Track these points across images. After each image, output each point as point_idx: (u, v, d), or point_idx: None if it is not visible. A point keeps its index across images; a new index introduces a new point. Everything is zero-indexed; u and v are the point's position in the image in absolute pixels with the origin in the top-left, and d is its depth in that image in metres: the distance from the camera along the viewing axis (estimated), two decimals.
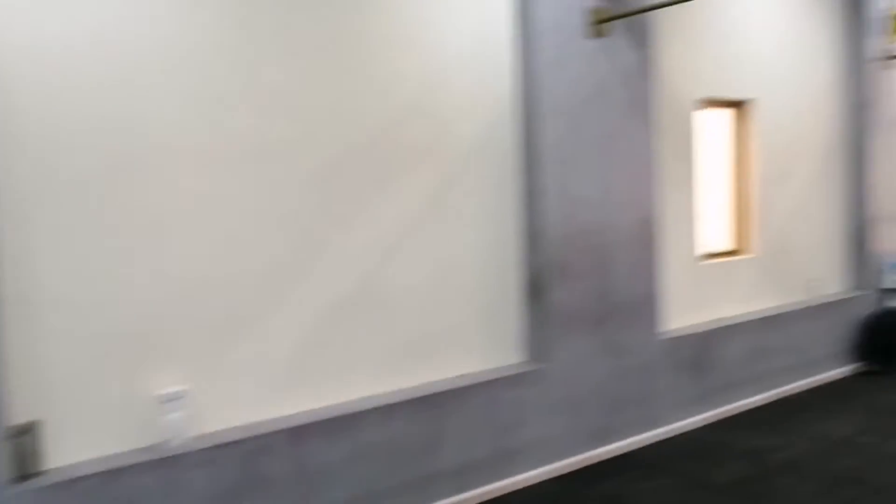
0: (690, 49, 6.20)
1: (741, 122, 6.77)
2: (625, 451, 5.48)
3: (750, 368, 6.45)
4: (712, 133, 6.65)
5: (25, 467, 3.40)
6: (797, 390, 6.84)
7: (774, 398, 6.64)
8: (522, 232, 5.10)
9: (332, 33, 4.25)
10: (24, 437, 3.38)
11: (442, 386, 4.64)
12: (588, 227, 5.21)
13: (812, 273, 7.28)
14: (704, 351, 6.09)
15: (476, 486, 4.73)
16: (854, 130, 7.54)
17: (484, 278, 4.95)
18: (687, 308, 6.23)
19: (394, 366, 4.56)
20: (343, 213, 4.32)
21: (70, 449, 3.54)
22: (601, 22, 5.25)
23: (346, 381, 4.38)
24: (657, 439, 5.68)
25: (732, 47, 6.52)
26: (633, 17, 5.41)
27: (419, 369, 4.67)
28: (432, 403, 4.54)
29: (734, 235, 6.81)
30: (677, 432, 5.83)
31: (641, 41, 5.49)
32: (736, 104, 6.73)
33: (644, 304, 5.58)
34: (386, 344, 4.52)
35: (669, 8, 5.94)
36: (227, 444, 3.81)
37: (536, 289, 5.07)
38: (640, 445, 5.58)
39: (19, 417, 3.39)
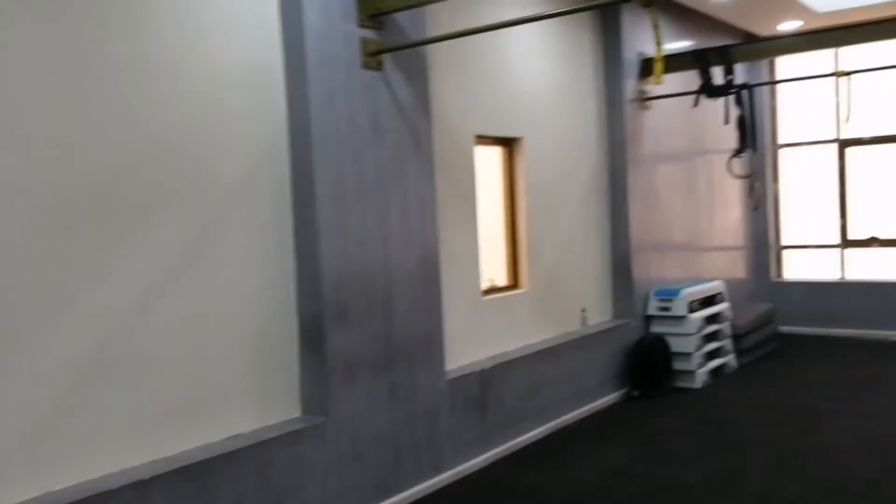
0: (465, 86, 6.20)
1: (511, 159, 6.88)
2: (410, 501, 5.23)
3: (529, 402, 6.49)
4: (488, 170, 6.69)
5: None
6: (572, 420, 6.99)
7: (553, 430, 6.73)
8: (297, 275, 4.73)
9: (75, 56, 3.66)
10: None
11: (209, 451, 4.12)
12: (368, 268, 4.94)
13: (582, 304, 7.54)
14: (486, 388, 6.03)
15: None
16: (613, 167, 7.95)
17: (255, 327, 4.51)
18: (470, 345, 6.16)
19: (151, 432, 3.98)
20: (83, 263, 3.71)
21: None
22: (374, 54, 5.05)
23: (92, 455, 3.74)
24: (443, 485, 5.50)
25: (503, 86, 6.62)
26: (408, 51, 5.27)
27: (182, 434, 4.12)
28: (198, 472, 4.01)
29: (509, 270, 6.87)
30: (462, 475, 5.69)
31: (417, 75, 5.36)
32: (507, 141, 6.83)
33: (428, 345, 5.40)
34: (140, 408, 3.94)
35: (444, 44, 5.89)
36: None
37: (314, 335, 4.71)
38: (426, 493, 5.36)
39: None
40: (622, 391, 7.72)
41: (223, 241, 4.35)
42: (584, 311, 7.52)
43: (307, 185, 4.67)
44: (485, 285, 6.46)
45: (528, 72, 6.93)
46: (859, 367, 8.68)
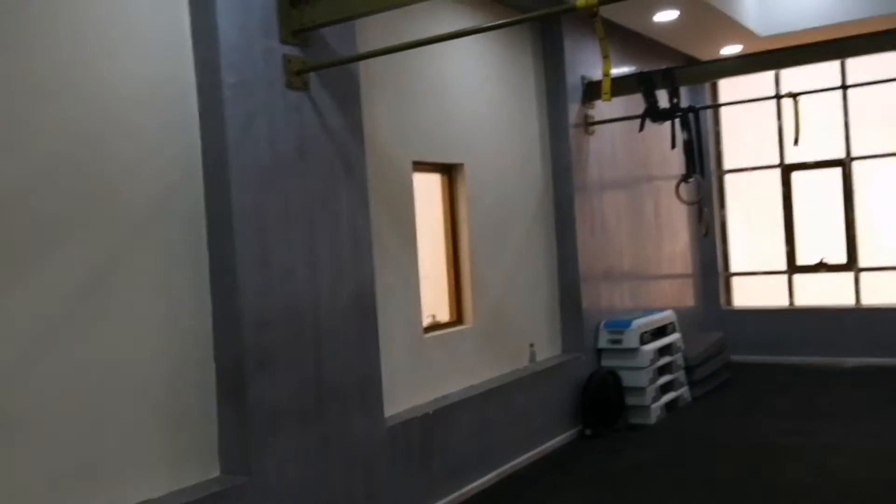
0: (402, 110, 5.82)
1: (452, 186, 6.51)
2: None
3: (476, 447, 6.04)
4: (428, 198, 6.30)
5: None
6: (524, 464, 6.56)
7: (503, 476, 6.29)
8: (214, 316, 4.22)
9: None
10: None
11: None
12: (294, 306, 4.46)
13: (530, 338, 7.14)
14: (430, 434, 5.56)
15: None
16: (559, 194, 7.64)
17: (166, 375, 3.99)
18: (411, 387, 5.70)
19: None
20: None
21: None
22: (299, 73, 4.62)
23: None
24: None
25: (443, 110, 6.26)
26: (338, 71, 4.86)
27: None
28: None
29: (452, 304, 6.45)
30: None
31: (348, 97, 4.94)
32: (447, 168, 6.45)
33: (365, 390, 4.92)
34: (28, 481, 3.37)
35: (378, 65, 5.50)
36: None
37: (233, 383, 4.20)
38: None
39: None
40: (574, 430, 7.32)
41: (128, 278, 3.84)
42: (532, 346, 7.13)
43: (224, 216, 4.19)
44: (426, 321, 6.03)
45: (468, 96, 6.59)
46: (815, 396, 8.45)
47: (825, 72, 9.65)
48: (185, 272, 4.12)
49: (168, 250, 4.04)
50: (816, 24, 9.00)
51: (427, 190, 6.30)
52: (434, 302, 6.25)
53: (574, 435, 7.30)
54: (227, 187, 4.17)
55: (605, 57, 3.63)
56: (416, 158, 5.96)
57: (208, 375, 4.20)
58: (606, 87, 3.77)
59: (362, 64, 5.18)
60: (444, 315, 6.37)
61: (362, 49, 5.06)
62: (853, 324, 9.93)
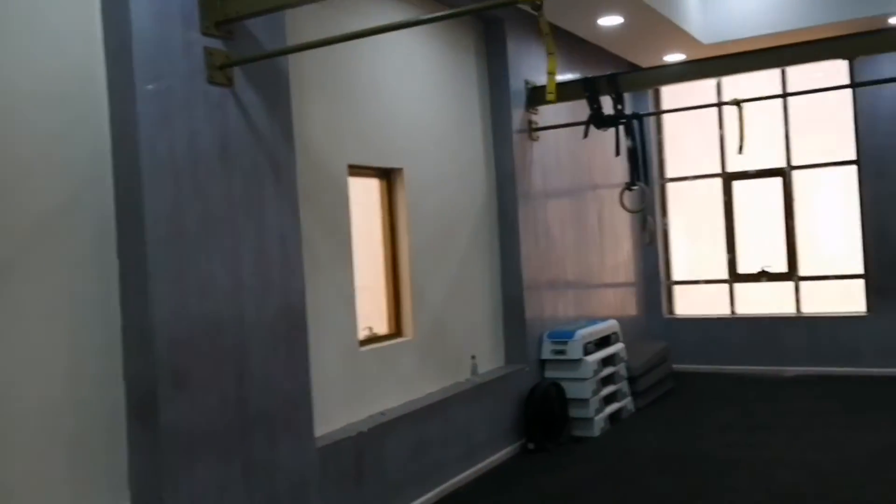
0: (337, 110, 5.51)
1: (391, 192, 6.22)
2: None
3: (414, 466, 5.75)
4: (365, 204, 5.99)
5: None
6: (464, 482, 6.28)
7: (442, 495, 6.00)
8: (124, 332, 3.84)
9: None
10: None
11: None
12: (214, 321, 4.10)
13: (472, 350, 6.88)
14: (364, 455, 5.25)
15: None
16: (502, 201, 7.41)
17: (70, 398, 3.60)
18: (345, 405, 5.39)
19: None
20: None
21: None
22: (223, 67, 4.27)
23: None
24: None
25: (382, 112, 5.98)
26: (266, 66, 4.52)
27: None
28: None
29: (391, 316, 6.15)
30: None
31: (276, 94, 4.61)
32: (385, 172, 6.16)
33: (293, 410, 4.57)
34: None
35: (312, 62, 5.19)
36: None
37: (145, 406, 3.82)
38: None
39: None
40: (517, 444, 7.08)
41: (24, 290, 3.45)
42: (474, 358, 6.86)
43: (136, 222, 3.82)
44: (362, 334, 5.73)
45: (408, 97, 6.31)
46: (757, 407, 8.38)
47: (766, 81, 9.66)
48: (92, 284, 3.74)
49: (72, 259, 3.66)
50: (758, 33, 8.99)
51: (364, 195, 6.00)
52: (371, 313, 5.94)
53: (517, 449, 7.06)
54: (139, 191, 3.80)
55: (550, 54, 3.39)
56: (352, 162, 5.66)
57: (117, 396, 3.82)
58: (551, 86, 3.53)
59: (294, 61, 4.87)
60: (381, 327, 6.07)
61: (293, 44, 4.74)
62: (794, 332, 9.94)
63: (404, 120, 6.24)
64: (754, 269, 10.28)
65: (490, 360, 7.18)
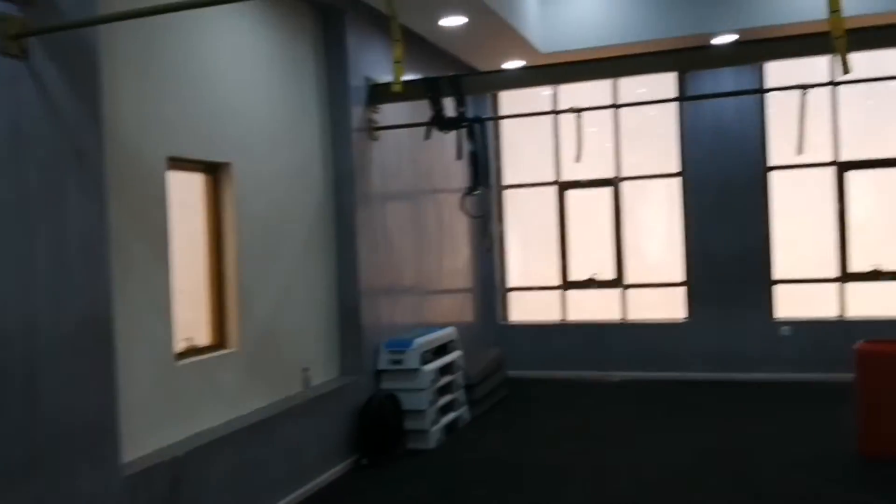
0: (156, 95, 4.92)
1: (217, 188, 5.68)
2: None
3: (237, 491, 5.24)
4: (186, 201, 5.42)
5: None
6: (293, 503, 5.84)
7: None
8: None
9: None
10: None
11: None
12: None
13: (305, 362, 6.45)
14: (180, 482, 4.69)
15: None
16: (340, 203, 7.03)
17: None
18: (159, 426, 4.80)
19: None
20: None
21: None
22: (17, 37, 3.64)
23: None
24: None
25: (208, 100, 5.43)
26: (70, 40, 3.91)
27: None
28: None
29: (214, 326, 5.61)
30: None
31: (83, 72, 4.01)
32: (211, 167, 5.62)
33: (95, 434, 3.98)
34: None
35: (126, 40, 4.59)
36: None
37: None
38: None
39: None
40: (350, 460, 6.71)
41: None
42: (306, 370, 6.43)
43: None
44: (180, 346, 5.16)
45: (239, 87, 5.80)
46: (588, 412, 8.50)
47: (598, 94, 9.89)
48: None
49: None
50: (594, 45, 9.17)
51: (186, 191, 5.43)
52: (191, 323, 5.38)
53: (350, 466, 6.69)
54: None
55: (396, 40, 3.09)
56: (173, 154, 5.09)
57: None
58: (398, 75, 3.22)
59: (107, 36, 4.29)
60: (203, 338, 5.51)
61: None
62: (620, 338, 10.25)
63: (234, 111, 5.72)
64: (584, 277, 10.50)
65: (324, 372, 6.77)
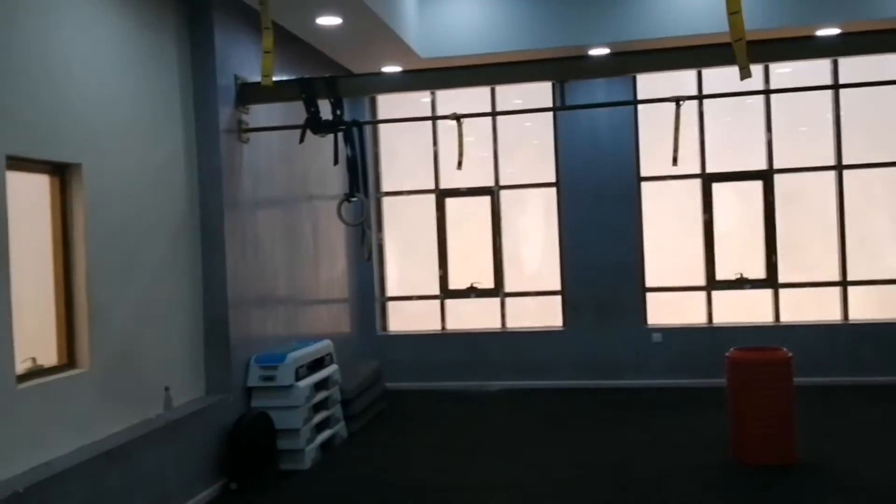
0: None
1: (65, 192, 5.14)
2: None
3: None
4: (29, 205, 4.87)
5: None
6: None
7: None
8: None
9: None
10: None
11: None
12: None
13: (167, 381, 5.94)
14: None
15: None
16: (206, 209, 6.57)
17: None
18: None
19: None
20: None
21: None
22: None
23: None
24: None
25: (52, 94, 4.90)
26: None
27: None
28: None
29: (62, 344, 5.06)
30: None
31: None
32: (59, 168, 5.08)
33: None
34: None
35: None
36: None
37: None
38: None
39: None
40: (219, 485, 6.26)
41: None
42: (168, 389, 5.93)
43: None
44: (22, 367, 4.61)
45: (91, 80, 5.28)
46: (470, 425, 8.34)
47: (477, 103, 9.81)
48: None
49: None
50: (474, 52, 9.08)
51: (28, 195, 4.87)
52: (36, 341, 4.82)
53: (218, 491, 6.23)
54: None
55: (266, 28, 2.79)
56: (13, 152, 4.54)
57: None
58: (267, 67, 2.92)
59: None
60: (49, 357, 4.95)
61: None
62: (499, 347, 10.19)
63: (85, 106, 5.19)
64: (464, 286, 10.39)
65: (188, 391, 6.28)
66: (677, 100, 6.65)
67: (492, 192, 10.32)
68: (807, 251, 9.94)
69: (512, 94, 10.08)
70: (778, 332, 9.47)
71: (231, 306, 6.61)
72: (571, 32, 9.04)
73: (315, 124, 6.83)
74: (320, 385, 7.33)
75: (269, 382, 6.74)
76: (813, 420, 7.16)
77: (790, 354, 6.52)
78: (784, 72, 9.62)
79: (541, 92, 9.79)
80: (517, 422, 8.41)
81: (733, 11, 2.63)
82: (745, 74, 2.86)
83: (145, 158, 5.87)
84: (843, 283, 9.74)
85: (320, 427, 7.26)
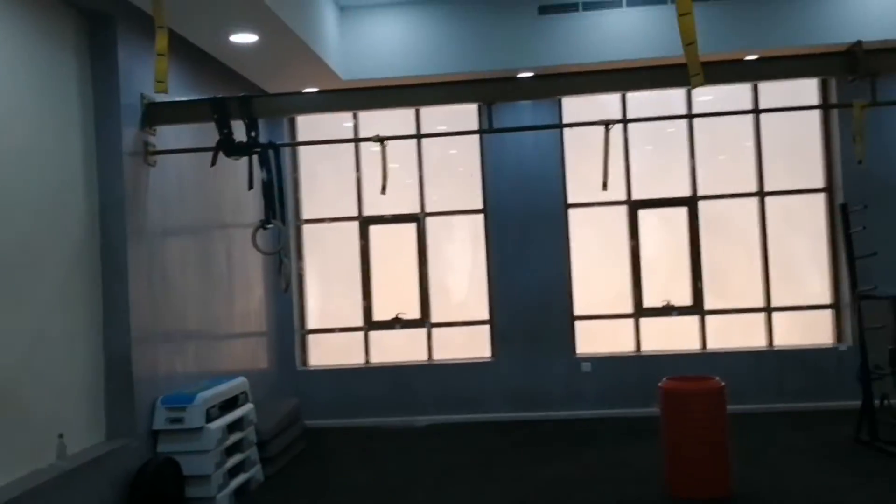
0: None
1: None
2: None
3: None
4: None
5: None
6: None
7: None
8: None
9: None
10: None
11: None
12: None
13: (60, 427, 5.36)
14: None
15: None
16: (107, 237, 6.04)
17: None
18: None
19: None
20: None
21: None
22: None
23: None
24: None
25: None
26: None
27: None
28: None
29: None
30: None
31: None
32: None
33: None
34: None
35: None
36: None
37: None
38: None
39: None
40: None
41: None
42: (61, 436, 5.34)
43: None
44: None
45: None
46: (393, 464, 7.92)
47: (401, 127, 9.52)
48: None
49: None
50: (397, 75, 8.81)
51: None
52: None
53: None
54: None
55: (160, 27, 2.42)
56: None
57: None
58: (161, 71, 2.54)
59: None
60: None
61: None
62: (425, 380, 9.82)
63: None
64: (389, 317, 10.01)
65: (86, 437, 5.71)
66: (606, 123, 6.49)
67: (417, 220, 10.02)
68: (732, 277, 9.94)
69: (437, 119, 9.83)
70: (705, 360, 9.39)
71: (135, 342, 6.08)
72: (497, 56, 8.90)
73: (228, 146, 6.41)
74: (234, 426, 6.82)
75: (178, 425, 6.21)
76: (743, 449, 7.03)
77: (723, 384, 6.37)
78: (706, 99, 9.67)
79: (466, 117, 9.59)
80: (447, 459, 8.02)
81: (683, 13, 2.40)
82: (696, 82, 2.63)
83: (37, 181, 5.34)
84: (768, 310, 9.77)
85: (234, 472, 6.73)
